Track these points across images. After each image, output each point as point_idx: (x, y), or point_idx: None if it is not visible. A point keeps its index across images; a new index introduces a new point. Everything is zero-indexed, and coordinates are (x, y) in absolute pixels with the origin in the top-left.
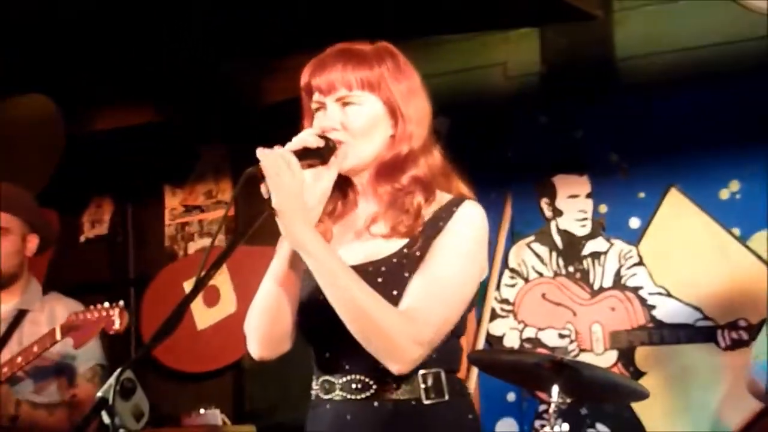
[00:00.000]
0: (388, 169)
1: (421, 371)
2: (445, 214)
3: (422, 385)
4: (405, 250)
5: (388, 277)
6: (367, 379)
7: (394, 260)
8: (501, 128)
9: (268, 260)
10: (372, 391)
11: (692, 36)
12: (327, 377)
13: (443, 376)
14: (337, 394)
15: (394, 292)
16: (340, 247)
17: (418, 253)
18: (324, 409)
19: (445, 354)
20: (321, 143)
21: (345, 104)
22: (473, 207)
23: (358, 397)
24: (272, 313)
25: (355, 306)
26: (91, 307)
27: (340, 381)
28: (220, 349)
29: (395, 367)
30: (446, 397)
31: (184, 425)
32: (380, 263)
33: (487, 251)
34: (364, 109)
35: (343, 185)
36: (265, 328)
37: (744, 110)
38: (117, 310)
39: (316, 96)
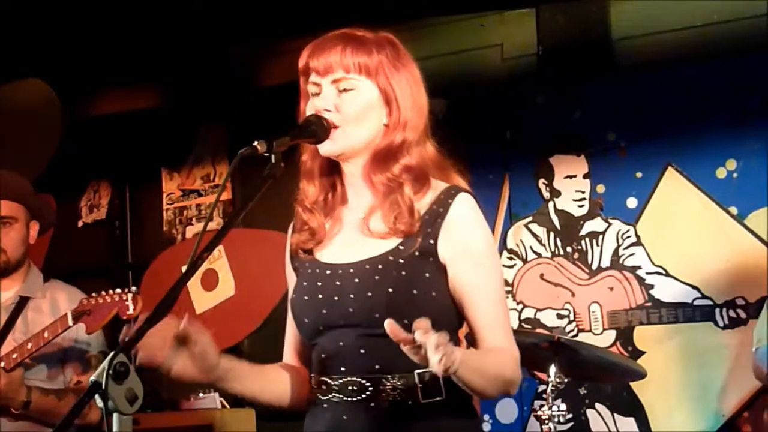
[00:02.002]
0: (381, 157)
1: (417, 370)
2: (442, 208)
3: (419, 385)
4: (401, 248)
5: (384, 275)
6: (362, 381)
7: (390, 258)
8: (498, 109)
9: (266, 243)
10: (368, 392)
11: (689, 15)
12: (324, 378)
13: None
14: (335, 396)
15: (390, 290)
16: (334, 243)
17: (417, 253)
18: (321, 409)
19: None
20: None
21: (341, 89)
22: (468, 200)
23: (355, 399)
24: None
25: (489, 376)
26: (103, 292)
27: (337, 383)
28: (218, 333)
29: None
30: (444, 396)
31: (183, 409)
32: (377, 260)
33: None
34: (359, 94)
35: (332, 178)
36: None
37: (741, 89)
38: (130, 296)
39: (313, 77)
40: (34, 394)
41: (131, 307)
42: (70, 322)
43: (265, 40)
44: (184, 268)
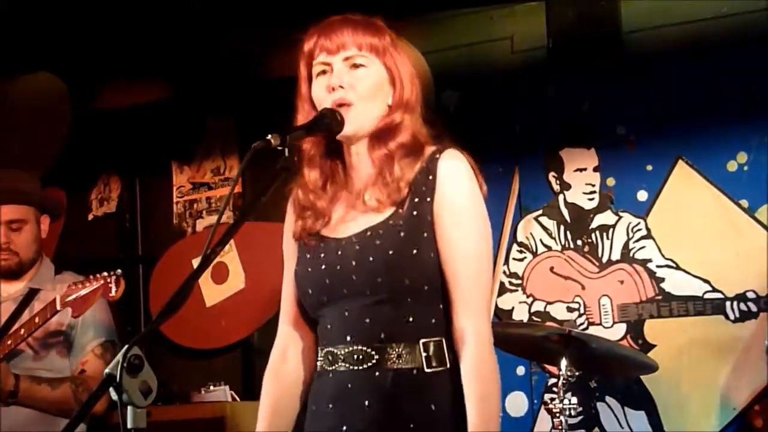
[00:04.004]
0: (381, 135)
1: (423, 340)
2: (431, 164)
3: (423, 354)
4: (399, 211)
5: (385, 239)
6: (368, 350)
7: (390, 222)
8: (508, 102)
9: (276, 237)
10: (374, 361)
11: (699, 8)
12: (330, 348)
13: (445, 344)
14: (341, 366)
15: (390, 252)
16: (335, 221)
17: (414, 213)
18: (327, 378)
19: (447, 321)
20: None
21: (352, 66)
22: (455, 155)
23: (361, 367)
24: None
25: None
26: (90, 276)
27: (343, 352)
28: (229, 326)
29: None
30: (448, 366)
31: (194, 402)
32: (377, 227)
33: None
34: (370, 71)
35: (333, 164)
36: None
37: (750, 82)
38: (114, 278)
39: (322, 57)
40: (22, 383)
41: (114, 289)
42: (58, 306)
43: (274, 32)
44: (194, 261)
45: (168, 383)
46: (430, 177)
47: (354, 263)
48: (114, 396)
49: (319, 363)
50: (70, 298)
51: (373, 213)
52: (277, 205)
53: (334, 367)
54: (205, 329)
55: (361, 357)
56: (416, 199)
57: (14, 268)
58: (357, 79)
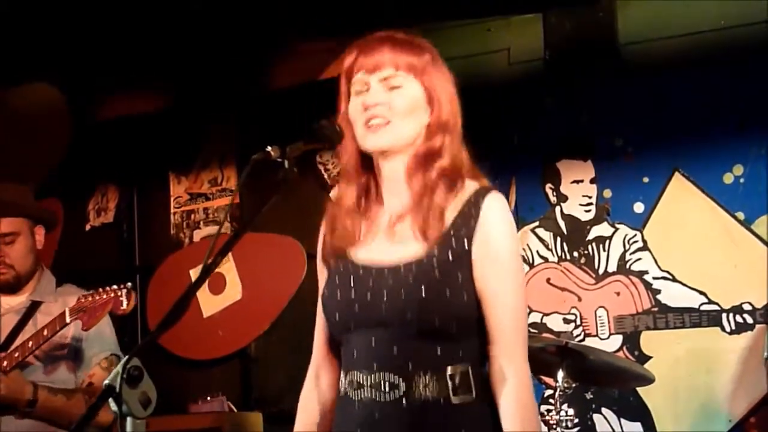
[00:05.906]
0: (422, 160)
1: (449, 369)
2: (474, 209)
3: (450, 383)
4: (436, 251)
5: (418, 277)
6: (395, 379)
7: (425, 261)
8: (505, 114)
9: (274, 247)
10: (401, 391)
11: (696, 20)
12: (355, 374)
13: (470, 372)
14: (366, 394)
15: (423, 291)
16: (369, 244)
17: (451, 257)
18: (352, 404)
19: (470, 349)
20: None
21: (390, 87)
22: (499, 200)
23: (388, 398)
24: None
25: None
26: (100, 289)
27: (369, 380)
28: (226, 337)
29: None
30: (474, 393)
31: (191, 412)
32: (412, 263)
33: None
34: (406, 91)
35: (367, 179)
36: None
37: (747, 94)
38: (124, 291)
39: (360, 75)
40: (40, 394)
41: (125, 302)
42: (68, 319)
43: (273, 43)
44: (192, 272)
45: (165, 394)
46: (472, 222)
47: (384, 296)
48: (114, 407)
49: (342, 387)
50: (79, 311)
51: (405, 240)
52: (273, 216)
53: (360, 394)
54: (203, 340)
55: (387, 386)
56: (454, 242)
57: (12, 282)
58: (393, 98)
